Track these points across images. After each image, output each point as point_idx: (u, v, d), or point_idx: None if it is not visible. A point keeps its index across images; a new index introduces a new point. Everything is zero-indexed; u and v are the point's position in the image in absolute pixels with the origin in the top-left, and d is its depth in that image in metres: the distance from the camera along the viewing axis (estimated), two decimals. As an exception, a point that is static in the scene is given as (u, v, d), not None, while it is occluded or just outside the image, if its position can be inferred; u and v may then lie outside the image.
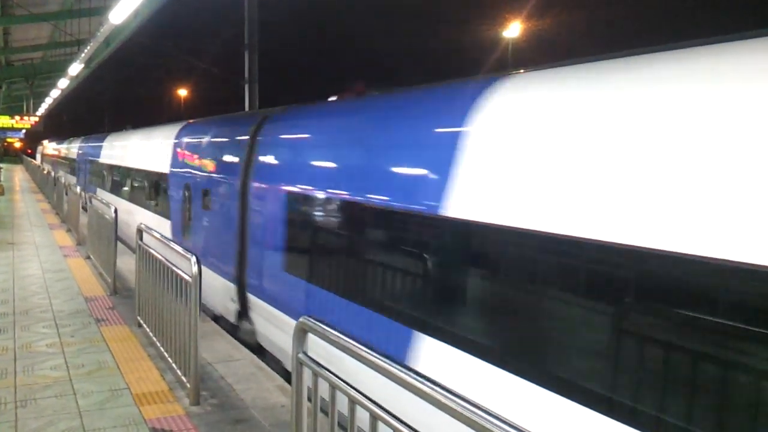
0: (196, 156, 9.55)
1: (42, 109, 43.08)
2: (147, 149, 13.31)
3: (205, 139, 9.30)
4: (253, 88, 20.43)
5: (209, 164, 8.85)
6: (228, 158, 8.14)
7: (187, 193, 9.71)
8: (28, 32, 25.15)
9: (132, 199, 13.99)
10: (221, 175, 8.32)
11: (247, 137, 7.59)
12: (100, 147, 19.54)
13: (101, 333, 6.72)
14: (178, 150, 10.47)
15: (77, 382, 5.30)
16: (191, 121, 11.64)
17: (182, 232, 9.81)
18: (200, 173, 9.20)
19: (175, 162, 10.55)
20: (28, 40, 26.86)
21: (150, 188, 12.34)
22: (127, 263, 9.94)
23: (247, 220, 7.36)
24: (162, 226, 10.73)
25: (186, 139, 10.29)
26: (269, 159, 7.04)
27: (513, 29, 27.29)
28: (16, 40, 26.83)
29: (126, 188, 14.83)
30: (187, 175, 9.81)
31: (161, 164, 11.47)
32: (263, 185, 6.96)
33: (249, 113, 8.89)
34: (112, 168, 17.00)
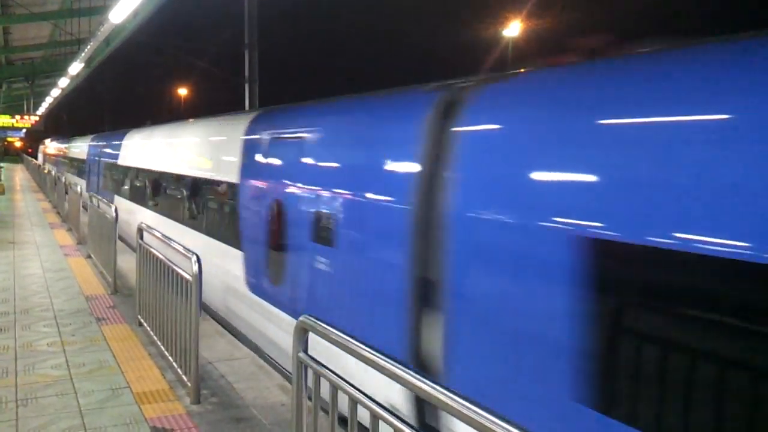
0: (296, 159, 6.25)
1: (42, 109, 43.08)
2: (195, 149, 9.96)
3: (313, 136, 6.02)
4: (253, 88, 20.43)
5: (330, 172, 5.65)
6: (380, 163, 4.90)
7: (280, 216, 6.47)
8: (28, 31, 25.15)
9: (170, 212, 10.83)
10: (359, 192, 5.11)
11: (425, 124, 4.45)
12: (119, 146, 16.31)
13: (102, 332, 6.72)
14: (257, 150, 7.19)
15: (78, 381, 5.31)
16: (268, 108, 8.41)
17: (269, 271, 6.64)
18: (309, 186, 5.95)
19: (252, 167, 7.28)
20: (28, 39, 26.86)
21: (201, 202, 9.20)
22: (127, 262, 9.94)
23: (442, 278, 4.11)
24: (226, 256, 7.77)
25: (269, 135, 6.96)
26: (535, 164, 3.54)
27: (513, 28, 27.27)
28: (16, 39, 26.83)
29: (158, 198, 11.77)
30: (278, 187, 6.53)
31: (223, 170, 8.28)
32: (504, 215, 3.66)
33: (407, 88, 5.35)
34: (139, 172, 13.71)
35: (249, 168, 7.39)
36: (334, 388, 3.06)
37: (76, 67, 19.83)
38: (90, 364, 5.74)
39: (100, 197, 10.35)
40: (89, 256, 10.87)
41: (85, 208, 13.04)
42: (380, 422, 2.70)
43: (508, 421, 2.07)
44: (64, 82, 26.51)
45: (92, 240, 10.70)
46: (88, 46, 16.59)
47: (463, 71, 5.14)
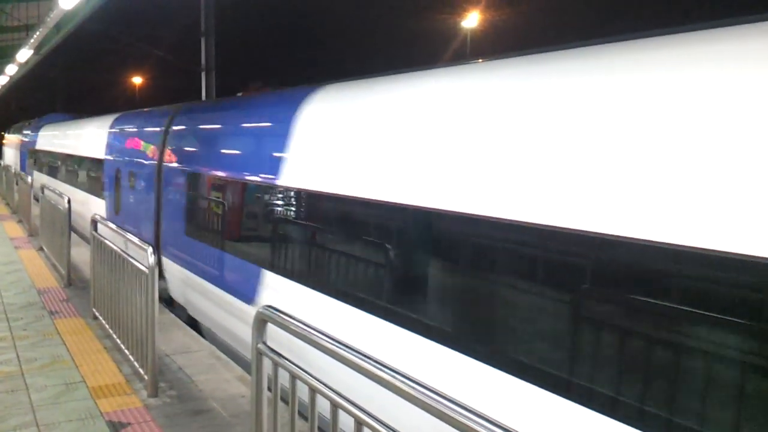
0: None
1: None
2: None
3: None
4: (210, 76, 20.11)
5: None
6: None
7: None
8: (-27, 16, 24.25)
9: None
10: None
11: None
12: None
13: (55, 326, 6.56)
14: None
15: (30, 377, 5.18)
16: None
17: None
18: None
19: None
20: (-27, 25, 25.90)
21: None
22: (82, 254, 9.72)
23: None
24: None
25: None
26: None
27: (471, 19, 27.41)
28: (-40, 24, 25.84)
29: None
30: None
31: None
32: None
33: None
34: None
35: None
36: (294, 379, 3.06)
37: (24, 54, 19.23)
38: (42, 358, 5.61)
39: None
40: (41, 249, 10.59)
41: (36, 199, 12.68)
42: (340, 411, 2.71)
43: (468, 409, 2.10)
44: (12, 69, 25.67)
45: (44, 232, 10.42)
46: (37, 33, 16.10)
47: (422, 61, 5.20)
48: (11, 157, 29.79)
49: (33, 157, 22.02)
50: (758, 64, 2.37)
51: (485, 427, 2.00)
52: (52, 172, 17.56)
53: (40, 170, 20.08)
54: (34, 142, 22.09)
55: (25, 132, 26.25)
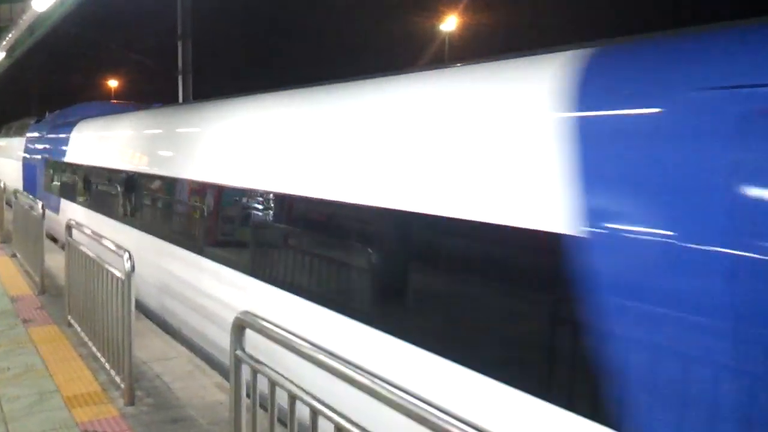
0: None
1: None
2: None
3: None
4: (187, 80, 19.96)
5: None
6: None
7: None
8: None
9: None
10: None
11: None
12: None
13: (28, 334, 6.44)
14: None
15: (2, 387, 5.07)
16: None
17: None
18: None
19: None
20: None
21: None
22: (56, 261, 9.56)
23: None
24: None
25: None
26: None
27: (450, 23, 27.52)
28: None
29: None
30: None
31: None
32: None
33: None
34: None
35: None
36: (273, 385, 3.02)
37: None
38: (15, 368, 5.50)
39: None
40: (14, 255, 10.41)
41: (9, 204, 12.48)
42: (320, 417, 2.68)
43: (450, 414, 2.08)
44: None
45: (17, 238, 10.25)
46: (9, 35, 15.87)
47: (400, 64, 5.20)
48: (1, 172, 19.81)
49: (57, 177, 13.18)
50: None
51: None
52: (135, 216, 8.50)
53: (73, 199, 11.70)
54: (58, 151, 13.36)
55: (30, 135, 16.73)
